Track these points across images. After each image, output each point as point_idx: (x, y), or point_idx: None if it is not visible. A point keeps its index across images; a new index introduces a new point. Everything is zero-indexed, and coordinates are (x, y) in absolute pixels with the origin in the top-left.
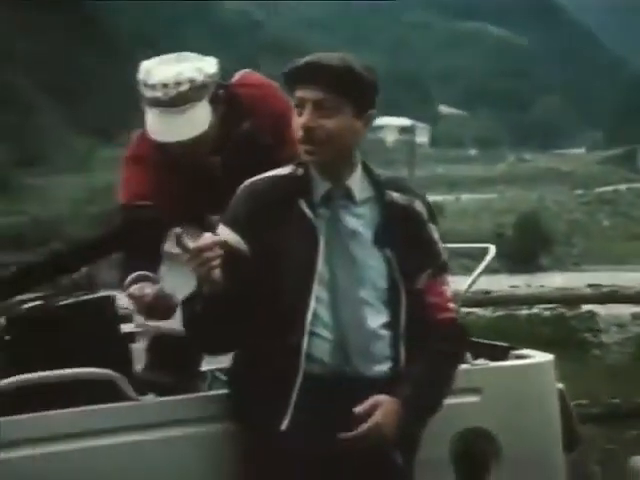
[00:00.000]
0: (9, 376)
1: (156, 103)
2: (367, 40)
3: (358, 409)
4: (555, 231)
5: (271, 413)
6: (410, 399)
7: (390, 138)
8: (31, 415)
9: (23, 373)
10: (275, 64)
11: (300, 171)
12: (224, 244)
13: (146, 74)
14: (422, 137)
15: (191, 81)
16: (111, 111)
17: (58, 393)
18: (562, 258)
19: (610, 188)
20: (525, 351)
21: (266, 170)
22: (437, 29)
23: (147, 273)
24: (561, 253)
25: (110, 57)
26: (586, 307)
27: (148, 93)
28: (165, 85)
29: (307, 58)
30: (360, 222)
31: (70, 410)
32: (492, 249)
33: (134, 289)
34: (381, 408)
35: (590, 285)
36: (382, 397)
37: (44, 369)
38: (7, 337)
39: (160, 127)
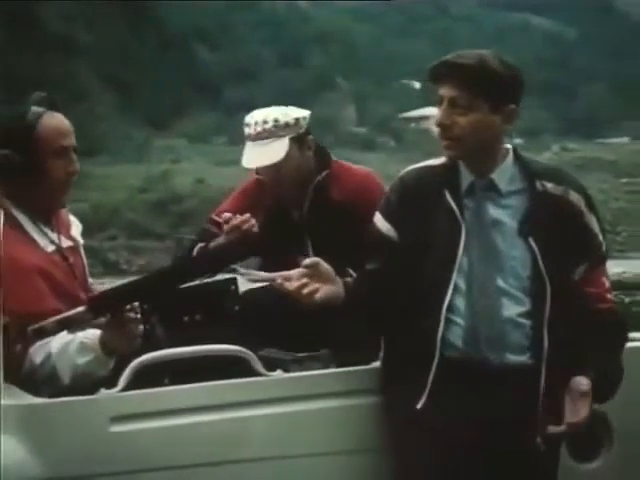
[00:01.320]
0: (144, 353)
1: (247, 138)
2: (413, 32)
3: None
4: (600, 219)
5: (409, 392)
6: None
7: (436, 128)
8: (166, 389)
9: (154, 350)
10: (322, 54)
11: (450, 163)
12: (312, 269)
13: (248, 116)
14: None
15: (275, 120)
16: (166, 102)
17: (184, 369)
18: (607, 246)
19: None
20: (632, 334)
21: (342, 231)
22: (483, 21)
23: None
24: (607, 241)
25: (164, 49)
26: None
27: (245, 130)
28: (256, 123)
29: (447, 56)
30: (506, 212)
31: (204, 384)
32: None
33: (225, 215)
34: (589, 397)
35: None
36: (586, 382)
37: (172, 347)
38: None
39: (247, 156)
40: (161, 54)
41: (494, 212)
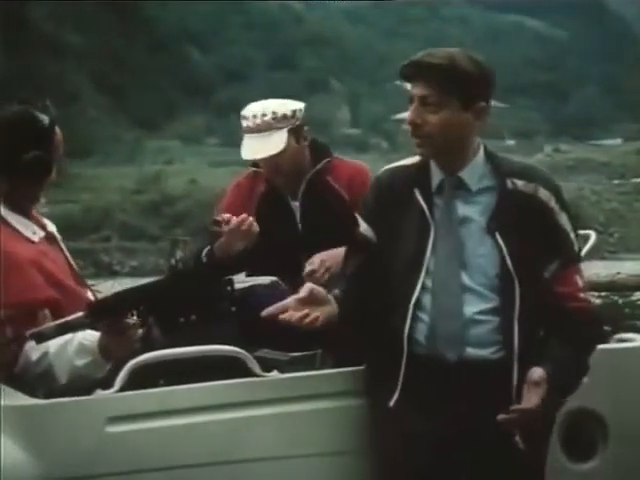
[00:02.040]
0: (140, 353)
1: (246, 130)
2: (406, 33)
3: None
4: (593, 220)
5: (382, 390)
6: (550, 381)
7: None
8: (162, 389)
9: (150, 351)
10: (315, 56)
11: (422, 161)
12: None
13: (245, 109)
14: None
15: (274, 112)
16: (157, 104)
17: (180, 370)
18: (599, 246)
19: None
20: (626, 335)
21: (336, 224)
22: (475, 23)
23: None
24: (599, 242)
25: (156, 51)
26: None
27: (243, 123)
28: (254, 116)
29: (416, 55)
30: (475, 210)
31: (200, 385)
32: (593, 236)
33: (224, 216)
34: (542, 387)
35: None
36: (540, 372)
37: (168, 347)
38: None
39: (246, 148)
40: (153, 56)
41: (463, 210)
